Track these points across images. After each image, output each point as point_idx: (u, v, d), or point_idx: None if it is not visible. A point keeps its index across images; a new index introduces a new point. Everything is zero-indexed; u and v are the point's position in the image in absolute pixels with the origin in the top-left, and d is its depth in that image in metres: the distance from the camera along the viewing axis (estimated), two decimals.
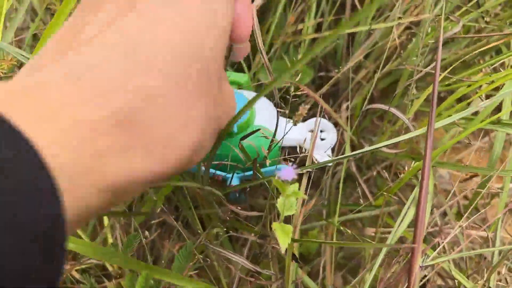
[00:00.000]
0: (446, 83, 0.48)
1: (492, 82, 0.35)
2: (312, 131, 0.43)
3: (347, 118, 0.49)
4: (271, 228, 0.42)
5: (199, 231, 0.39)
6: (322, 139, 0.43)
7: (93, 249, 0.27)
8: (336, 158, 0.33)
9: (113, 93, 0.19)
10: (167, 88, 0.20)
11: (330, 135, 0.42)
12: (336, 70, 0.51)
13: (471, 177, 0.58)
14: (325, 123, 0.43)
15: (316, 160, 0.38)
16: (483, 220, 0.54)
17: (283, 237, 0.28)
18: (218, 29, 0.23)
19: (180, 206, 0.43)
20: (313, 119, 0.43)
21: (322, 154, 0.42)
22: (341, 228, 0.38)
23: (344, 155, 0.32)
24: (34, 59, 0.21)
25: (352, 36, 0.52)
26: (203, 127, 0.23)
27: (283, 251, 0.27)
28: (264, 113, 0.42)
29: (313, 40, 0.50)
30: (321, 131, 0.43)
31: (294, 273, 0.39)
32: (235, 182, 0.38)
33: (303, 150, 0.42)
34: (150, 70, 0.20)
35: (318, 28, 0.50)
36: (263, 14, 0.50)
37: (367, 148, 0.31)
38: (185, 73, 0.21)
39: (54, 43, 0.21)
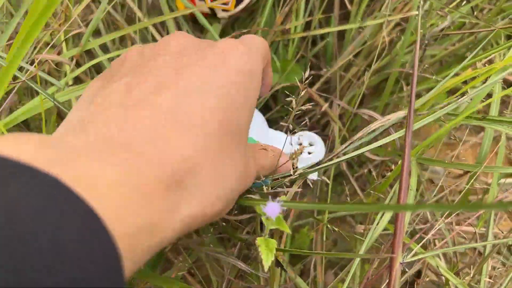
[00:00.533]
0: (438, 78, 0.48)
1: (475, 77, 0.34)
2: (300, 144, 0.42)
3: (338, 116, 0.49)
4: (261, 229, 0.42)
5: None
6: (309, 153, 0.42)
7: None
8: (323, 165, 0.33)
9: (167, 163, 0.21)
10: (216, 145, 0.23)
11: (318, 148, 0.42)
12: (325, 70, 0.52)
13: (466, 172, 0.58)
14: (312, 136, 0.42)
15: (310, 180, 0.39)
16: (478, 217, 0.54)
17: (267, 253, 0.27)
18: (250, 109, 0.27)
19: None
20: (301, 133, 0.43)
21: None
22: (328, 226, 0.38)
23: (326, 164, 0.32)
24: (88, 117, 0.23)
25: (342, 34, 0.52)
26: (238, 174, 0.26)
27: (266, 268, 0.27)
28: (252, 124, 0.42)
29: (303, 38, 0.51)
30: (309, 145, 0.42)
31: (283, 276, 0.39)
32: None
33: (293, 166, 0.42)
34: (203, 130, 0.23)
35: (307, 26, 0.50)
36: (251, 14, 0.50)
37: (347, 156, 0.31)
38: (222, 140, 0.24)
39: (101, 106, 0.23)
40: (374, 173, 0.43)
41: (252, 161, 0.30)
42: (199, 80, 0.24)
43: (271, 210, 0.25)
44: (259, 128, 0.41)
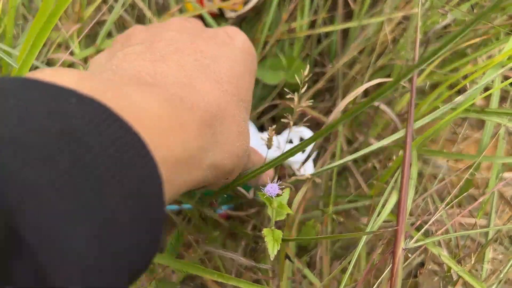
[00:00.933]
0: (440, 72, 0.49)
1: (474, 72, 0.36)
2: (291, 141, 0.42)
3: (342, 112, 0.51)
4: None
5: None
6: (303, 151, 0.41)
7: None
8: (322, 169, 0.35)
9: (198, 104, 0.22)
10: (233, 103, 0.25)
11: (311, 145, 0.41)
12: (330, 65, 0.53)
13: (469, 166, 0.59)
14: (304, 132, 0.41)
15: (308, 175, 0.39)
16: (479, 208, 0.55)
17: (273, 243, 0.29)
18: (252, 87, 0.29)
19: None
20: (288, 130, 0.41)
21: (304, 167, 0.40)
22: (334, 216, 0.39)
23: (326, 167, 0.34)
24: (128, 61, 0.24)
25: (346, 32, 0.54)
26: (248, 136, 0.28)
27: (272, 258, 0.28)
28: None
29: (308, 36, 0.52)
30: (300, 140, 0.41)
31: (291, 268, 0.41)
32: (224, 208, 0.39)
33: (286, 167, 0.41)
34: (221, 88, 0.25)
35: (312, 25, 0.52)
36: (258, 13, 0.51)
37: (347, 158, 0.33)
38: (241, 98, 0.27)
39: (137, 55, 0.25)
40: (377, 166, 0.44)
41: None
42: (212, 50, 0.26)
43: (271, 190, 0.28)
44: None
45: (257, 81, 0.51)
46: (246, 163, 0.31)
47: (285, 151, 0.40)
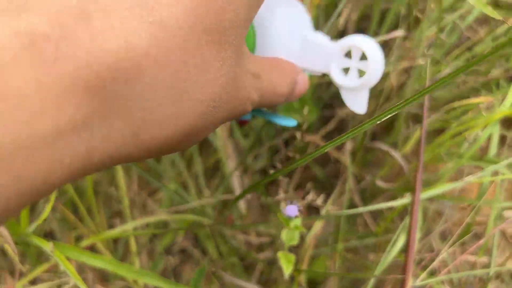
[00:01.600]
0: (442, 119, 0.53)
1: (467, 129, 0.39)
2: (348, 55, 0.27)
3: (350, 153, 0.54)
4: None
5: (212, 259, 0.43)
6: (361, 73, 0.27)
7: (124, 268, 0.32)
8: (333, 214, 0.37)
9: (85, 51, 0.14)
10: (163, 51, 0.15)
11: (372, 66, 0.26)
12: (340, 108, 0.57)
13: (471, 208, 0.62)
14: (366, 45, 0.26)
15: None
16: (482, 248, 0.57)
17: (287, 264, 0.32)
18: None
19: (199, 236, 0.48)
20: (350, 37, 0.27)
21: (356, 100, 0.28)
22: (344, 254, 0.42)
23: (336, 213, 0.36)
24: None
25: None
26: (213, 92, 0.18)
27: (286, 277, 0.31)
28: (281, 20, 0.26)
29: (319, 81, 0.56)
30: (360, 59, 0.27)
31: None
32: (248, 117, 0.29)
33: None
34: (147, 18, 0.15)
35: None
36: None
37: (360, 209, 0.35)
38: (191, 38, 0.16)
39: None
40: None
41: (252, 80, 0.22)
42: None
43: (291, 211, 0.29)
44: (292, 27, 0.27)
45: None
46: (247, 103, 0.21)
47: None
